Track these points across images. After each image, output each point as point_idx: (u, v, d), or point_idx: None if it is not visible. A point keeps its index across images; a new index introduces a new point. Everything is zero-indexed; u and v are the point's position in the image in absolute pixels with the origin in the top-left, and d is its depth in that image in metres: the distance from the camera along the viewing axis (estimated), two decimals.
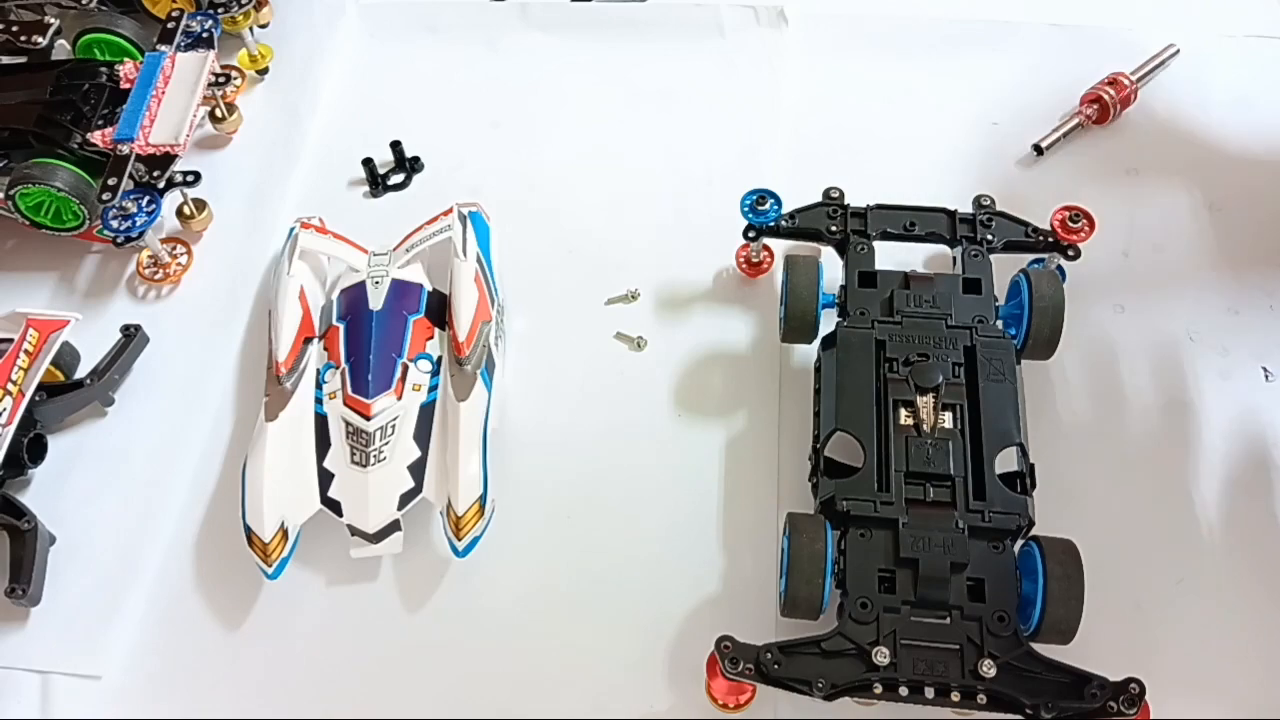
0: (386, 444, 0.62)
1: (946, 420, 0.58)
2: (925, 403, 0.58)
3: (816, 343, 0.64)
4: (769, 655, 0.52)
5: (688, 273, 0.73)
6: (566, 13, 0.87)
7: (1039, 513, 0.56)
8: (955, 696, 0.51)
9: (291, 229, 0.73)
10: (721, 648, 0.52)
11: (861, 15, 0.85)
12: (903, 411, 0.58)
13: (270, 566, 0.59)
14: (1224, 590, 0.60)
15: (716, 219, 0.73)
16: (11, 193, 0.70)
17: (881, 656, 0.51)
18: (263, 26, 0.86)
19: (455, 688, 0.59)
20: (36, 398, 0.64)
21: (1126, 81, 0.77)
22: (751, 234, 0.69)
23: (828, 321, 0.64)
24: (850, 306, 0.63)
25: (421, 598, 0.62)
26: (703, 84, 0.82)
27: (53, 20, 0.78)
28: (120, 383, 0.70)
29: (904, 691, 0.51)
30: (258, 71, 0.85)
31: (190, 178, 0.74)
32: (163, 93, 0.74)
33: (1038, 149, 0.76)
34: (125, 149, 0.71)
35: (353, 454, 0.62)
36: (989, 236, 0.66)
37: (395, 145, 0.79)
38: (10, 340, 0.65)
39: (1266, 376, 0.67)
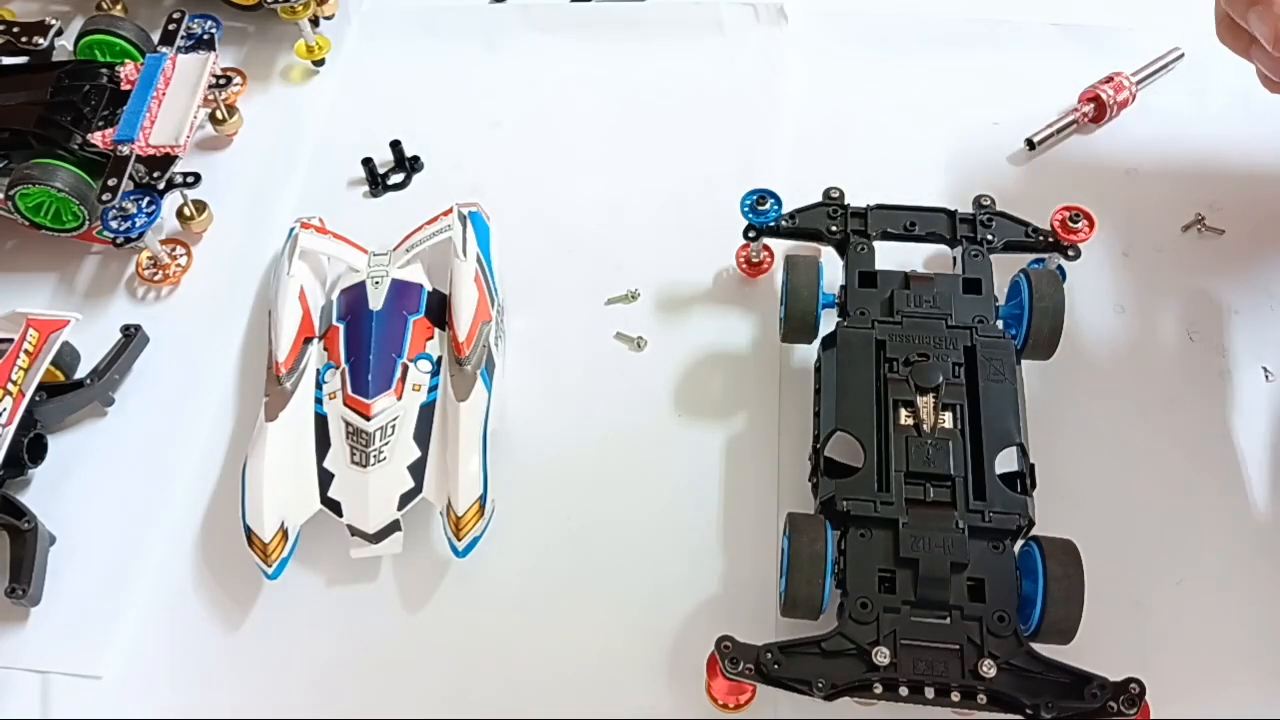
0: (386, 444, 0.62)
1: (946, 420, 0.58)
2: (925, 403, 0.58)
3: (816, 343, 0.64)
4: (769, 655, 0.52)
5: (688, 273, 0.73)
6: (566, 13, 0.87)
7: (1039, 513, 0.56)
8: (955, 696, 0.51)
9: (291, 229, 0.73)
10: (721, 648, 0.52)
11: (862, 13, 0.85)
12: (903, 411, 0.58)
13: (270, 566, 0.59)
14: (1224, 590, 0.60)
15: (716, 219, 0.72)
16: (11, 193, 0.70)
17: (881, 656, 0.51)
18: (328, 18, 0.85)
19: (455, 688, 0.59)
20: (36, 398, 0.64)
21: (1125, 81, 0.77)
22: (751, 234, 0.68)
23: (828, 321, 0.64)
24: (850, 306, 0.63)
25: (421, 598, 0.62)
26: (703, 83, 0.82)
27: (53, 21, 0.78)
28: (120, 383, 0.70)
29: (904, 691, 0.51)
30: (314, 63, 0.85)
31: (190, 179, 0.75)
32: (163, 94, 0.74)
33: (1029, 143, 0.76)
34: (125, 150, 0.71)
35: (353, 454, 0.62)
36: (989, 236, 0.66)
37: (395, 145, 0.79)
38: (10, 340, 0.65)
39: (1267, 376, 0.66)
